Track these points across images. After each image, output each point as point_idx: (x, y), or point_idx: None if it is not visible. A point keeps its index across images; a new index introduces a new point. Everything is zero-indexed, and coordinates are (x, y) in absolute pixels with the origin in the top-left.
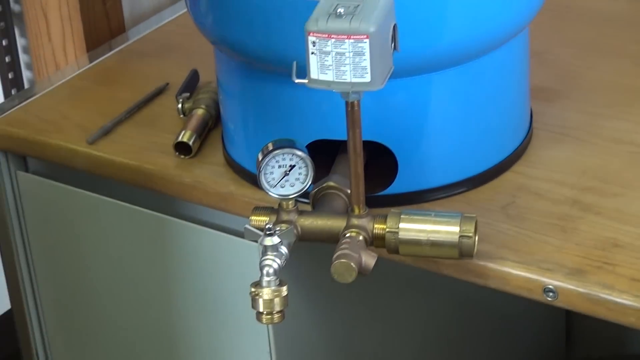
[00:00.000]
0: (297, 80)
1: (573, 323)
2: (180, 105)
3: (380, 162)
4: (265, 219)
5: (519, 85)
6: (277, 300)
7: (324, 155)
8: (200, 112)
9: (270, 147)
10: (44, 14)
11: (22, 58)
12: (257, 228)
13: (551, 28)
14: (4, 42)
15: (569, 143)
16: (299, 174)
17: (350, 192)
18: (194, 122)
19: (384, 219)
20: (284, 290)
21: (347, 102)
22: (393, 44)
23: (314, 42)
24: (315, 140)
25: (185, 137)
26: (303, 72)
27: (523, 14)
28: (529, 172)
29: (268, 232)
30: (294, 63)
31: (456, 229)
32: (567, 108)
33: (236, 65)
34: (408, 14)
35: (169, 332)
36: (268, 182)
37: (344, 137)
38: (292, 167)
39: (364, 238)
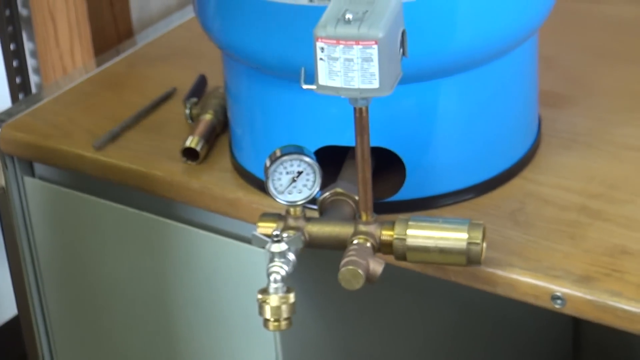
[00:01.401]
0: (305, 86)
1: (580, 331)
2: (188, 111)
3: (388, 168)
4: (272, 225)
5: (527, 90)
6: (284, 307)
7: (332, 161)
8: (208, 117)
9: (278, 153)
10: (52, 18)
11: (30, 62)
12: (265, 234)
13: (560, 33)
14: (11, 47)
15: (578, 149)
16: (307, 180)
17: (358, 198)
18: (201, 127)
19: (391, 225)
20: (292, 297)
21: (355, 108)
22: (401, 50)
23: (322, 48)
24: (323, 146)
25: (192, 142)
26: (311, 78)
27: (532, 19)
28: (537, 178)
29: (275, 239)
30: (302, 69)
31: (464, 235)
32: (576, 114)
33: (244, 70)
34: (416, 20)
35: (175, 338)
36: (276, 189)
37: (352, 143)
38: (299, 173)
39: (372, 245)
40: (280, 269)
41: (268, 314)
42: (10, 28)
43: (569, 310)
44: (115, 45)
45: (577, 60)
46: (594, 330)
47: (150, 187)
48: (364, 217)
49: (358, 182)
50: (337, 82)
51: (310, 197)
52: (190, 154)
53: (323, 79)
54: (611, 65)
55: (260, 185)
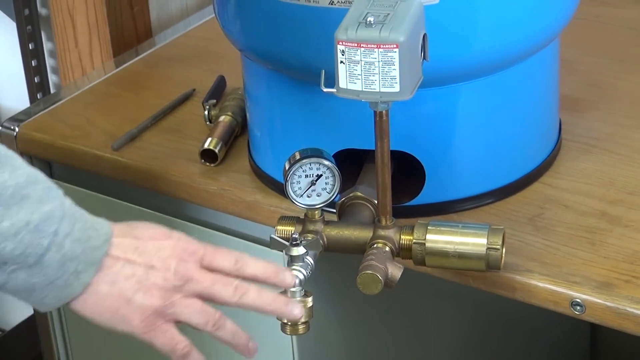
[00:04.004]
0: (325, 90)
1: (598, 337)
2: (206, 112)
3: (407, 172)
4: (291, 228)
5: (548, 95)
6: None
7: (351, 164)
8: (226, 119)
9: (297, 156)
10: (71, 18)
11: (49, 62)
12: (283, 238)
13: (580, 37)
14: (30, 46)
15: (598, 154)
16: (326, 183)
17: (377, 202)
18: (220, 129)
19: (410, 229)
20: (309, 301)
21: (375, 112)
22: (422, 54)
23: (343, 51)
24: (343, 149)
25: (211, 144)
26: (331, 81)
27: (553, 25)
28: (557, 183)
29: (294, 242)
30: (323, 72)
31: (484, 241)
32: (596, 119)
33: (263, 72)
34: (438, 24)
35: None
36: (294, 192)
37: (371, 147)
38: (319, 176)
39: (391, 249)
40: (298, 272)
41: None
42: (29, 28)
43: (588, 317)
44: (134, 46)
45: (597, 65)
46: (611, 335)
47: (168, 189)
48: (383, 222)
49: (377, 186)
50: (358, 86)
51: (329, 201)
52: (208, 155)
53: (343, 82)
54: (632, 70)
55: (279, 188)
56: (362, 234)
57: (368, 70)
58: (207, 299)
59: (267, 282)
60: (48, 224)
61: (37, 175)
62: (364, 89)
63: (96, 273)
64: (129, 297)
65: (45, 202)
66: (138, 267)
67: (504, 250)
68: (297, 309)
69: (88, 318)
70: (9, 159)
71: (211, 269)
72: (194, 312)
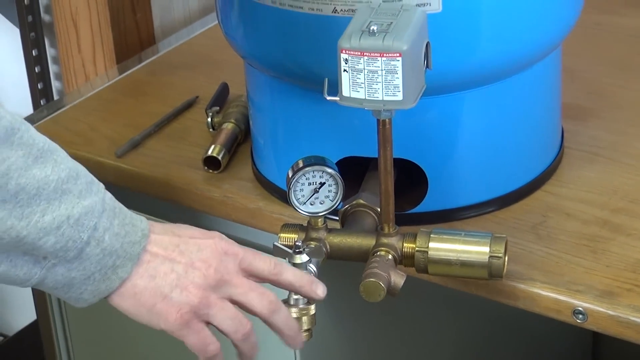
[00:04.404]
0: (328, 98)
1: (600, 344)
2: (209, 119)
3: (410, 180)
4: (294, 236)
5: (550, 103)
6: (304, 318)
7: (354, 172)
8: (229, 126)
9: (301, 164)
10: (74, 24)
11: (52, 68)
12: (286, 245)
13: (582, 45)
14: (34, 53)
15: (601, 162)
16: (329, 191)
17: (380, 210)
18: (223, 136)
19: (413, 237)
20: (312, 308)
21: (378, 120)
22: (425, 62)
23: (346, 60)
24: (346, 157)
25: (214, 151)
26: (335, 89)
27: (555, 33)
28: (559, 191)
29: (297, 250)
30: (326, 80)
31: (486, 249)
32: (598, 127)
33: (267, 80)
34: (441, 32)
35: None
36: (297, 199)
37: (374, 155)
38: (322, 184)
39: (393, 257)
40: None
41: None
42: (32, 34)
43: (590, 325)
44: (138, 53)
45: (599, 73)
46: (613, 338)
47: (171, 196)
48: (385, 229)
49: (380, 193)
50: (361, 94)
51: (332, 209)
52: (211, 162)
53: (347, 90)
54: (634, 78)
55: (282, 196)
56: (364, 241)
57: (371, 78)
58: (239, 305)
59: (300, 290)
60: (88, 218)
61: (79, 170)
62: (367, 98)
63: (134, 268)
64: (166, 293)
65: (86, 196)
66: (178, 265)
67: (506, 258)
68: (300, 345)
69: (125, 313)
70: (52, 154)
71: (249, 272)
72: (227, 317)
